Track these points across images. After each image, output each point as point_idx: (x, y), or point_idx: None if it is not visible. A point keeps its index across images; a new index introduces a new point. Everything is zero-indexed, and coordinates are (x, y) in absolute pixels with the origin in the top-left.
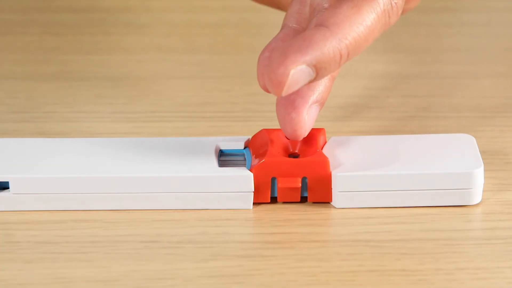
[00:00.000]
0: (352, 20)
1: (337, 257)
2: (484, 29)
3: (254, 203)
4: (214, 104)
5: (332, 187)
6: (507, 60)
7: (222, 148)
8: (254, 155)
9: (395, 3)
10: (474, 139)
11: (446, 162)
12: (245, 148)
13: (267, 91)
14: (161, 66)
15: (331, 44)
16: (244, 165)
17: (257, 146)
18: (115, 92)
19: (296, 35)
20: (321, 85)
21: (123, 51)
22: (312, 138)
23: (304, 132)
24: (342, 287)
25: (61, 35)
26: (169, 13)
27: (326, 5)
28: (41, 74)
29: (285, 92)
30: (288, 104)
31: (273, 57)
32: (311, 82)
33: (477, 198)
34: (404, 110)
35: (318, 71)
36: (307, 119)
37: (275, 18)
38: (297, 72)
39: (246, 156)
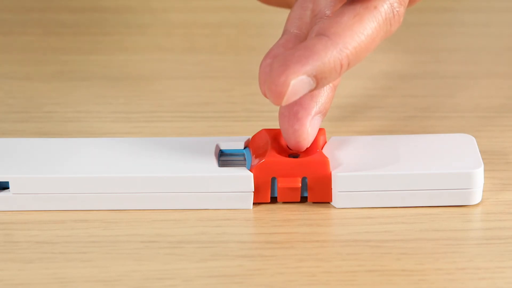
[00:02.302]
0: (353, 30)
1: (337, 257)
2: (484, 29)
3: (254, 203)
4: (214, 104)
5: (332, 187)
6: (507, 60)
7: (222, 148)
8: (254, 155)
9: (397, 11)
10: (474, 139)
11: (446, 162)
12: (245, 148)
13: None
14: (161, 66)
15: (332, 54)
16: (244, 165)
17: (257, 146)
18: (115, 92)
19: (297, 41)
20: (323, 96)
21: (123, 51)
22: None
23: (307, 143)
24: (342, 287)
25: (61, 35)
26: (169, 13)
27: (328, 12)
28: (41, 74)
29: (285, 102)
30: (291, 115)
31: (274, 67)
32: (311, 91)
33: (477, 198)
34: (404, 110)
35: (319, 81)
36: (310, 130)
37: (275, 18)
38: (297, 82)
39: (246, 156)
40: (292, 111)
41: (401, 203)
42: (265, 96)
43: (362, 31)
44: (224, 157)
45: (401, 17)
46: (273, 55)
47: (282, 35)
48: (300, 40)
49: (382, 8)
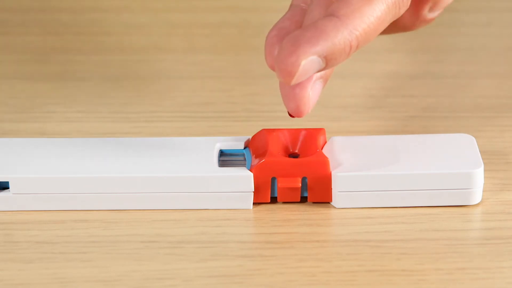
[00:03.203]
0: (363, 11)
1: (337, 257)
2: (484, 29)
3: (254, 203)
4: (214, 104)
5: (332, 187)
6: (507, 60)
7: (222, 148)
8: (254, 155)
9: None
10: (474, 139)
11: (446, 162)
12: (245, 148)
13: (274, 69)
14: (161, 66)
15: (342, 35)
16: (244, 165)
17: (257, 146)
18: (115, 92)
19: (303, 15)
20: None
21: (123, 51)
22: (312, 138)
23: (307, 108)
24: (342, 287)
25: (61, 35)
26: (169, 13)
27: None
28: (41, 74)
29: (295, 81)
30: None
31: (284, 46)
32: (320, 71)
33: (477, 198)
34: (404, 110)
35: (328, 61)
36: (311, 94)
37: (275, 18)
38: (307, 63)
39: (246, 156)
40: None
41: (401, 203)
42: (272, 69)
43: (371, 13)
44: (224, 157)
45: (409, 1)
46: (279, 28)
47: (289, 9)
48: (305, 14)
49: None
